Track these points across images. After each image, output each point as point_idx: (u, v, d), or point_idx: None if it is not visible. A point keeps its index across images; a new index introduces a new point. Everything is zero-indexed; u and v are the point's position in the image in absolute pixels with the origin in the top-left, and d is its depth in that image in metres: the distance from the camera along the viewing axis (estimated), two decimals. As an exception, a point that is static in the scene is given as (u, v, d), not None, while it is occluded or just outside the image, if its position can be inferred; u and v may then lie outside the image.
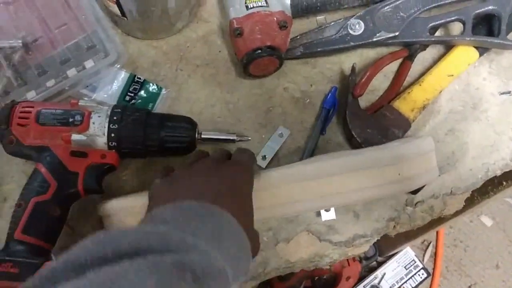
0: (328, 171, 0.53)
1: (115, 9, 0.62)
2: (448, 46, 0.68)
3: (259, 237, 0.50)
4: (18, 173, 0.62)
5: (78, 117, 0.55)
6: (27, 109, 0.56)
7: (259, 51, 0.61)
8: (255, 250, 0.47)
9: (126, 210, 0.56)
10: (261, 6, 0.62)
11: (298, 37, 0.67)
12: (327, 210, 0.61)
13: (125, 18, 0.63)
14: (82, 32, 0.65)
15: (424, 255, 1.54)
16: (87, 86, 0.64)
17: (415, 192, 0.62)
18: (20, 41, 0.63)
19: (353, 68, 0.65)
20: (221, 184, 0.48)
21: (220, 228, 0.41)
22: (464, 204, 0.68)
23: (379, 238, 0.64)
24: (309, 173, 0.54)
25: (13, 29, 0.65)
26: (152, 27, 0.66)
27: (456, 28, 0.69)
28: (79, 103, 0.56)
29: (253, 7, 0.62)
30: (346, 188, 0.54)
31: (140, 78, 0.65)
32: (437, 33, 0.68)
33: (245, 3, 0.62)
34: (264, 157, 0.64)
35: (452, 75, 0.65)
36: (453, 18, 0.65)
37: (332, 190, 0.54)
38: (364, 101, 0.66)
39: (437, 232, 1.54)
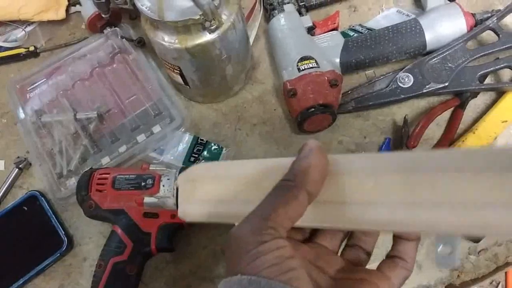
0: (427, 165, 0.30)
1: (178, 79, 0.68)
2: (500, 92, 0.69)
3: None
4: (96, 234, 0.67)
5: (149, 181, 0.60)
6: (104, 175, 0.61)
7: (313, 109, 0.64)
8: None
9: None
10: (312, 68, 0.66)
11: (349, 92, 0.70)
12: (447, 244, 0.45)
13: (188, 86, 0.69)
14: (149, 100, 0.71)
15: (493, 297, 1.47)
16: (155, 150, 0.70)
17: (477, 240, 0.61)
18: (95, 112, 0.70)
19: (405, 120, 0.67)
20: None
21: None
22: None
23: None
24: (394, 163, 0.32)
25: (89, 102, 0.72)
26: (212, 92, 0.72)
27: (506, 74, 0.70)
28: (150, 167, 0.62)
29: (305, 68, 0.66)
30: (452, 198, 0.28)
31: (203, 140, 0.70)
32: (487, 80, 0.69)
33: (297, 66, 0.66)
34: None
35: (506, 121, 0.65)
36: (502, 65, 0.66)
37: (430, 196, 0.29)
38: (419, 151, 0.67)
39: (506, 273, 1.47)
